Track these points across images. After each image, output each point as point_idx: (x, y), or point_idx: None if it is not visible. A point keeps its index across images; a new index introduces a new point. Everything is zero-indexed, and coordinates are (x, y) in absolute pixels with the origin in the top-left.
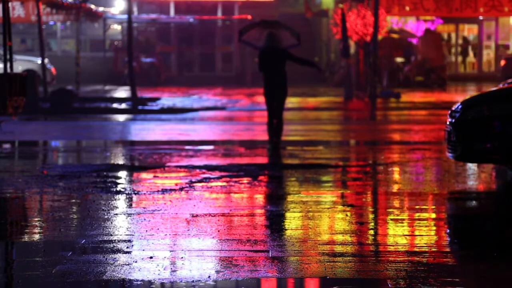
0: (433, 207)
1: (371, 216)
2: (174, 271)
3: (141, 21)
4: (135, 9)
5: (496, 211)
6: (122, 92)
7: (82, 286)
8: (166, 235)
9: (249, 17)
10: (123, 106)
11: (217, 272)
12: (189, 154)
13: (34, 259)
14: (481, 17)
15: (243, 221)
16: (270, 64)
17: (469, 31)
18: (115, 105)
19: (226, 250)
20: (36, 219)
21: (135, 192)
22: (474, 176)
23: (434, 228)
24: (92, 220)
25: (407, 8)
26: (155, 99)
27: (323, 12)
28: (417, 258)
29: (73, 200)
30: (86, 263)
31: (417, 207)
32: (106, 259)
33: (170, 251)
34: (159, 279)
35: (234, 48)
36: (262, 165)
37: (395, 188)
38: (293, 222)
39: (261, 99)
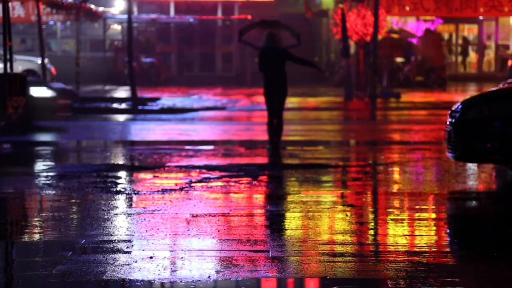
0: (433, 207)
1: (371, 216)
2: (174, 271)
3: (141, 21)
4: (135, 9)
5: (496, 211)
6: (122, 92)
7: (82, 286)
8: (166, 235)
9: (249, 17)
10: (123, 106)
11: (217, 272)
12: (189, 154)
13: (34, 259)
14: (481, 17)
15: (243, 221)
16: (270, 64)
17: (469, 31)
18: (115, 105)
19: (226, 250)
20: (36, 219)
21: (135, 192)
22: (474, 176)
23: (434, 228)
24: (92, 220)
25: (407, 8)
26: (155, 99)
27: (323, 12)
28: (417, 258)
29: (73, 200)
30: (86, 263)
31: (417, 207)
32: (106, 259)
33: (170, 251)
34: (159, 279)
35: (234, 48)
36: (262, 165)
37: (395, 188)
38: (293, 222)
39: (261, 99)
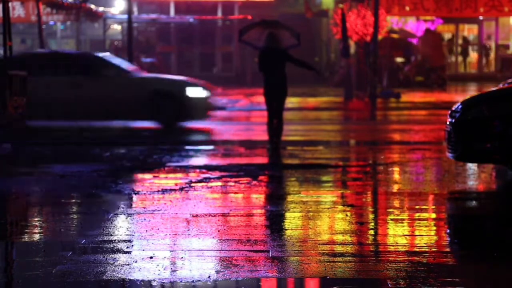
0: (433, 207)
1: (371, 216)
2: (174, 271)
3: (141, 21)
4: (135, 9)
5: (496, 211)
6: None
7: (82, 286)
8: (166, 235)
9: (249, 17)
10: None
11: (217, 272)
12: (189, 154)
13: (34, 259)
14: (481, 17)
15: (243, 221)
16: (270, 64)
17: (469, 31)
18: None
19: (226, 250)
20: (36, 219)
21: (135, 192)
22: (474, 176)
23: (434, 228)
24: (92, 220)
25: (407, 8)
26: None
27: (323, 12)
28: (417, 258)
29: (73, 200)
30: (86, 263)
31: (417, 207)
32: (106, 259)
33: (170, 251)
34: (159, 279)
35: (234, 48)
36: (262, 165)
37: (395, 188)
38: (293, 222)
39: (261, 99)
